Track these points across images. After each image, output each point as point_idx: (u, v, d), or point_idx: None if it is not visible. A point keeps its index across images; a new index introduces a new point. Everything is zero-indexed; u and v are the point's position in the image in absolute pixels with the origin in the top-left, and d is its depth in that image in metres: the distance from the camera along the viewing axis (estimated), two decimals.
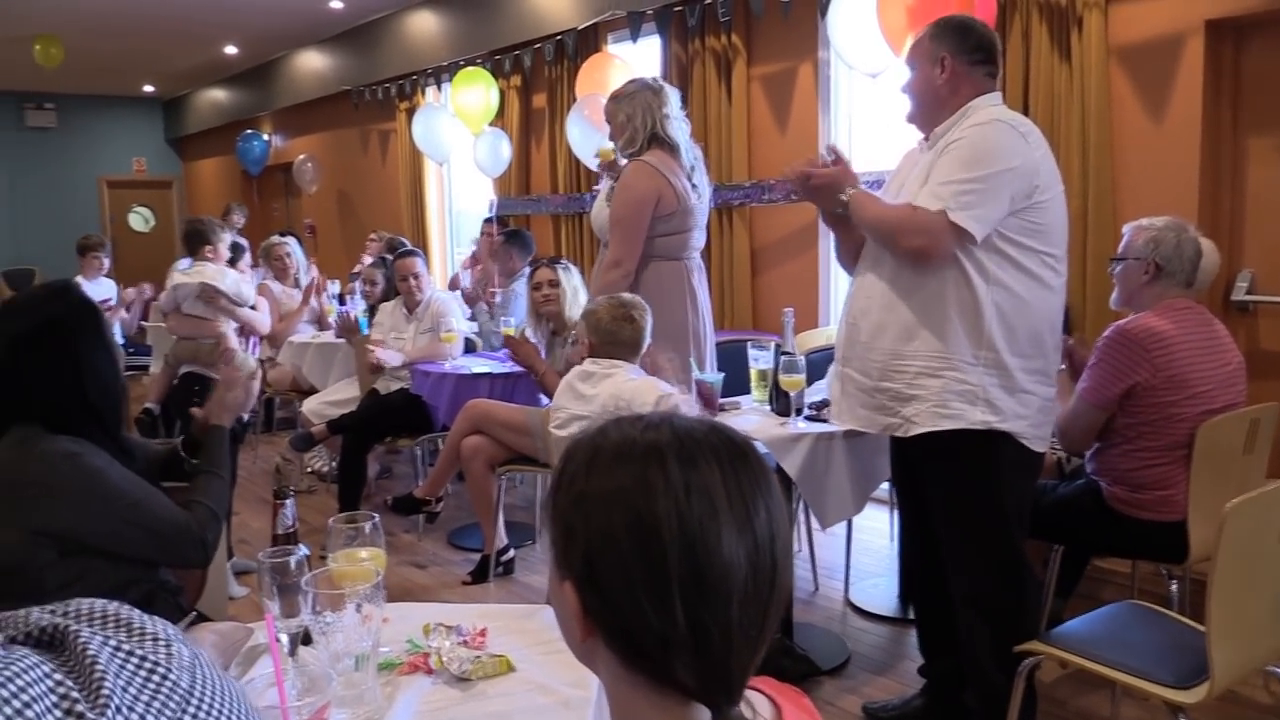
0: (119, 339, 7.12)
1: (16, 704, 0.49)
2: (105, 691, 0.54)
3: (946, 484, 2.57)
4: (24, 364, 1.86)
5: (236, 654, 1.57)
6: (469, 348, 5.38)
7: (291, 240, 7.02)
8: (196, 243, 5.59)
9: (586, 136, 5.65)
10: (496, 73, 7.25)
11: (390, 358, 5.02)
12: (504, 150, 7.06)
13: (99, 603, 0.64)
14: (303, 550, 1.50)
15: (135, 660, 0.58)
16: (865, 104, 5.32)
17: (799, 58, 5.43)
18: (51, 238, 12.38)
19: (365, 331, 5.44)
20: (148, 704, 0.56)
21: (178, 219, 13.97)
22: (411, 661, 1.54)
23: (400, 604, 1.78)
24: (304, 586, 1.38)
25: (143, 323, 7.47)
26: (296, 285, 6.70)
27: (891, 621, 3.68)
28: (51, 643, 0.58)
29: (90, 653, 0.56)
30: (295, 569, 1.44)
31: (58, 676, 0.53)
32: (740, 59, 5.60)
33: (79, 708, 0.52)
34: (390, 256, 5.76)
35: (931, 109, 2.54)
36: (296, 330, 6.34)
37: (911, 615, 3.55)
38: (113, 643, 0.58)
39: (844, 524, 4.02)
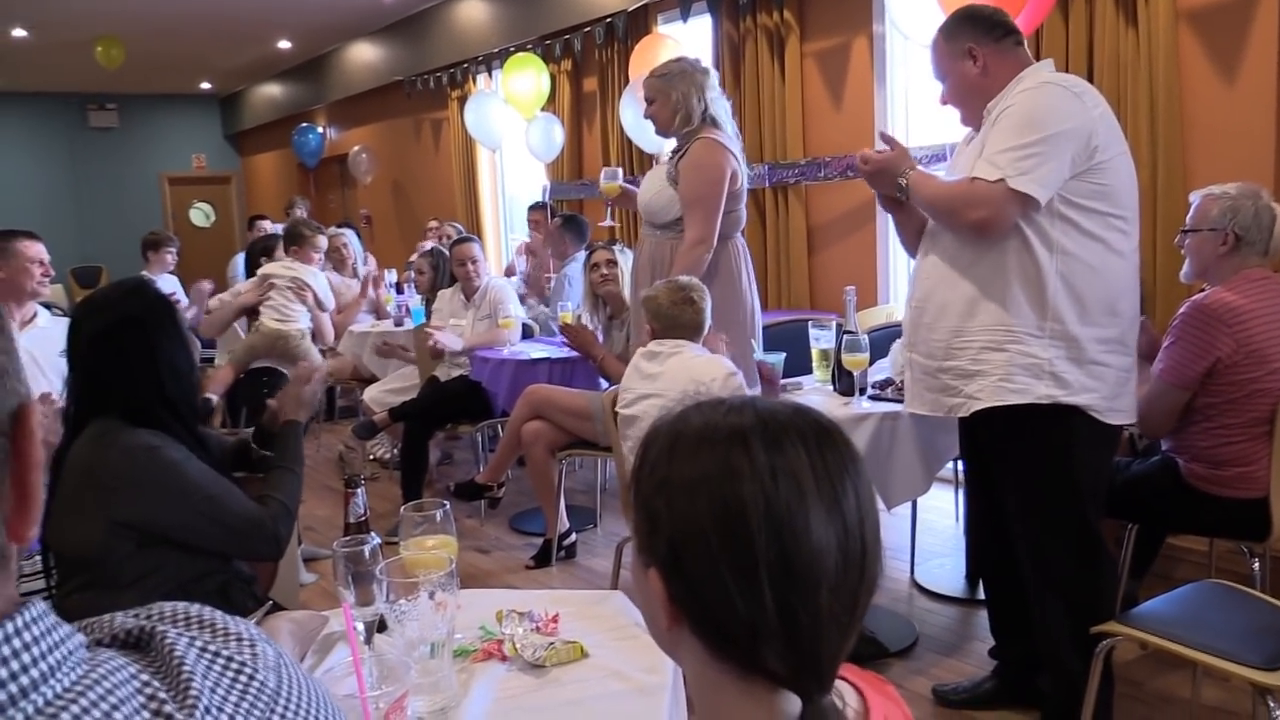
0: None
1: (105, 706, 0.49)
2: (194, 692, 0.53)
3: (1016, 462, 2.51)
4: (104, 360, 1.91)
5: (313, 642, 1.59)
6: (527, 334, 5.39)
7: (349, 231, 7.09)
8: (293, 241, 5.67)
9: (641, 119, 5.61)
10: (547, 58, 7.25)
11: (450, 342, 5.05)
12: (556, 135, 7.06)
13: (181, 605, 0.64)
14: (375, 539, 1.50)
15: (222, 661, 0.57)
16: (922, 78, 5.22)
17: (853, 32, 5.34)
18: (116, 235, 12.70)
19: (421, 320, 5.49)
20: (236, 704, 0.55)
21: (237, 214, 14.22)
22: (485, 648, 1.55)
23: (470, 590, 1.79)
24: (378, 575, 1.38)
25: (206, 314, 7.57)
26: (355, 275, 6.78)
27: (959, 602, 3.63)
28: (138, 644, 0.58)
29: (177, 653, 0.56)
30: (369, 557, 1.45)
31: (144, 677, 0.53)
32: (793, 35, 5.53)
33: (167, 708, 0.51)
34: (437, 245, 5.84)
35: (979, 103, 2.47)
36: (355, 320, 6.41)
37: (979, 596, 3.50)
38: (199, 643, 0.58)
39: (908, 504, 3.97)
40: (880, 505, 3.87)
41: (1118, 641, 2.28)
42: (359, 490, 1.63)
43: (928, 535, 4.24)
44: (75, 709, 0.48)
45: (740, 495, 0.75)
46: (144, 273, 7.18)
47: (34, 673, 0.48)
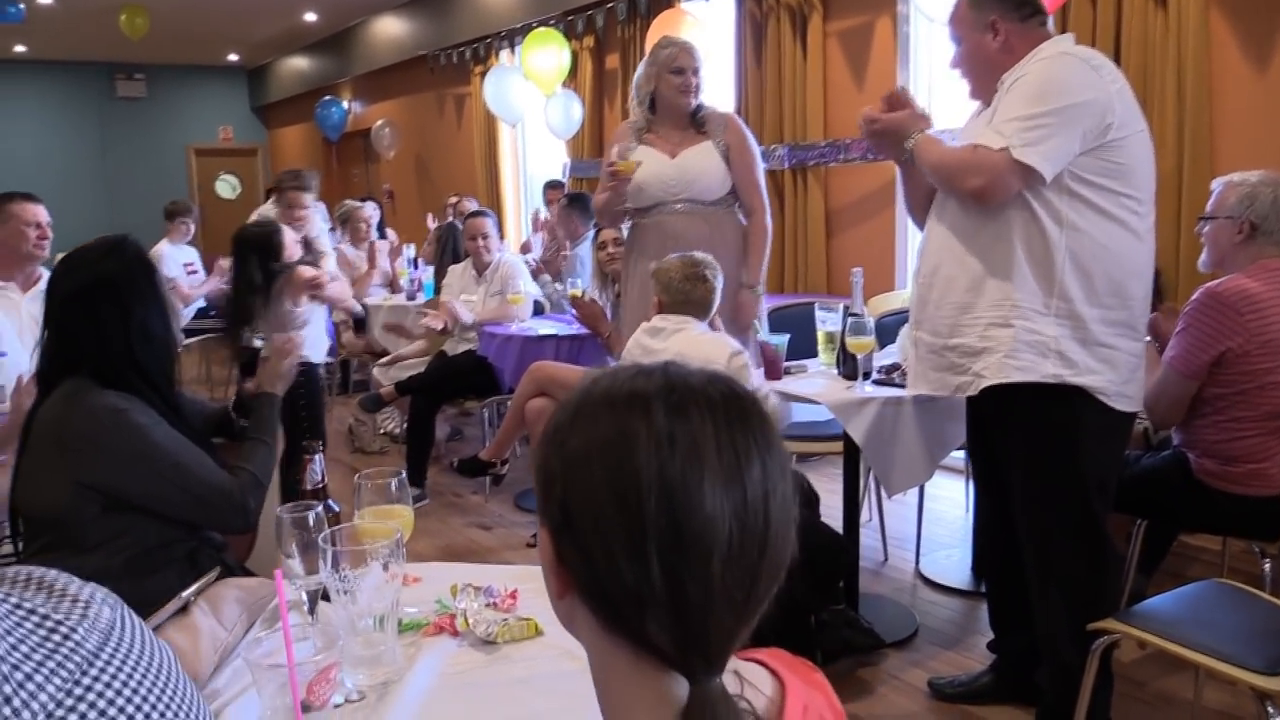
0: (202, 304, 7.30)
1: None
2: None
3: (1021, 446, 2.42)
4: (74, 320, 1.86)
5: (263, 610, 1.54)
6: (538, 311, 5.34)
7: (369, 205, 7.07)
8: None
9: None
10: (569, 33, 7.17)
11: (462, 314, 5.01)
12: (575, 112, 6.99)
13: (35, 570, 0.61)
14: (323, 506, 1.45)
15: (36, 619, 0.55)
16: (946, 58, 5.10)
17: (877, 11, 5.23)
18: (143, 205, 12.70)
19: (431, 295, 5.47)
20: (40, 663, 0.52)
21: (263, 186, 14.24)
22: (437, 623, 1.49)
23: (434, 564, 1.74)
24: (321, 544, 1.33)
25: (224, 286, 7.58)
26: (371, 248, 6.76)
27: (963, 594, 3.55)
28: None
29: None
30: (314, 525, 1.40)
31: None
32: (816, 14, 5.42)
33: None
34: (452, 220, 5.80)
35: (992, 78, 2.38)
36: (369, 293, 6.39)
37: (984, 589, 3.42)
38: (13, 601, 0.55)
39: (915, 493, 3.90)
40: (885, 494, 3.82)
41: (1118, 639, 2.19)
42: (316, 457, 1.58)
43: (936, 525, 4.16)
44: None
45: (634, 459, 0.71)
46: (164, 240, 7.21)
47: None
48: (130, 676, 0.56)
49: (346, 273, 6.49)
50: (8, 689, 0.50)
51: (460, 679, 1.36)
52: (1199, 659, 2.02)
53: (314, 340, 4.12)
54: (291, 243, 4.19)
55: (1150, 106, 3.86)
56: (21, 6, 8.71)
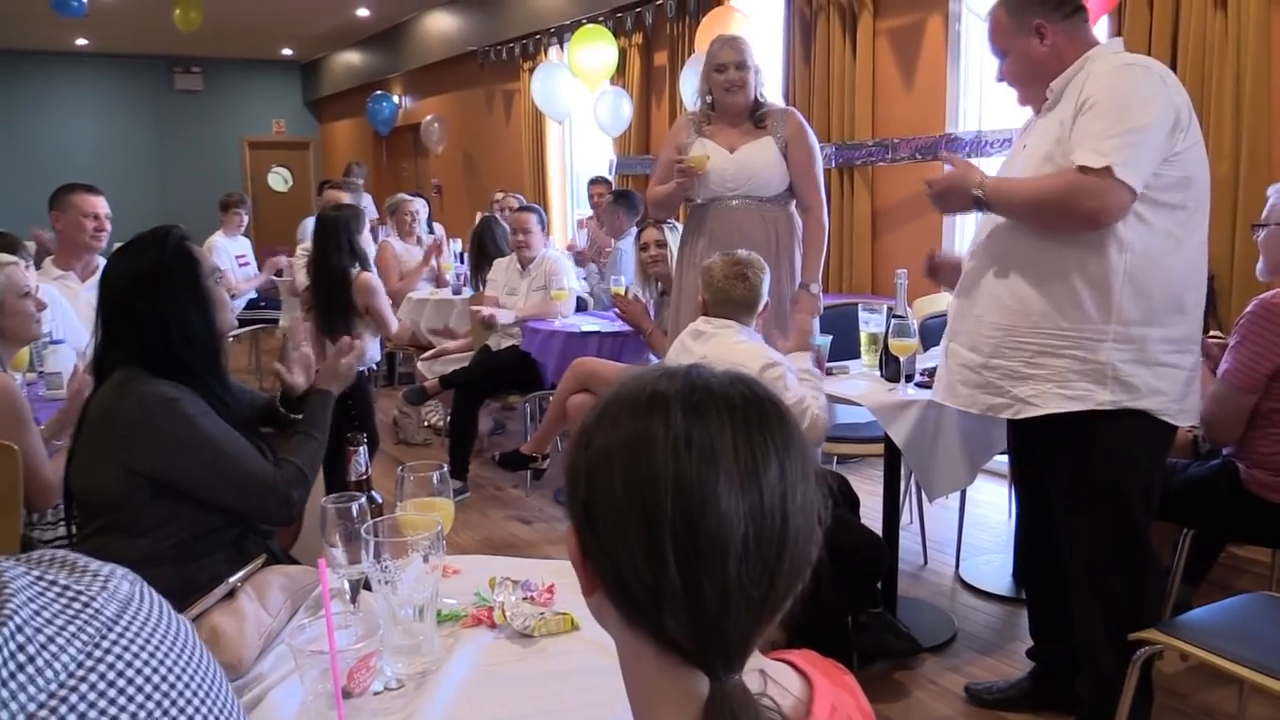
0: (252, 295, 7.43)
1: None
2: (8, 610, 0.53)
3: (1069, 467, 2.38)
4: (120, 311, 1.89)
5: (306, 597, 1.58)
6: (581, 306, 5.37)
7: (418, 200, 7.14)
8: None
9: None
10: (618, 30, 7.19)
11: (501, 315, 5.05)
12: (625, 109, 7.01)
13: (60, 552, 0.64)
14: (366, 497, 1.48)
15: (58, 589, 0.57)
16: (998, 84, 5.04)
17: (928, 10, 5.18)
18: (197, 195, 12.97)
19: (472, 292, 5.55)
20: (61, 627, 0.54)
21: (314, 179, 14.43)
22: (475, 615, 1.52)
23: (473, 556, 1.76)
24: (364, 534, 1.36)
25: (274, 278, 7.70)
26: (419, 243, 6.83)
27: (1003, 600, 3.51)
28: None
29: (4, 579, 0.56)
30: (357, 515, 1.43)
31: None
32: (866, 12, 5.39)
33: None
34: (489, 214, 5.89)
35: (1040, 83, 2.33)
36: (416, 287, 6.46)
37: (1024, 596, 3.39)
38: (36, 573, 0.57)
39: (957, 497, 3.87)
40: (926, 498, 3.80)
41: (1160, 650, 2.17)
42: (360, 449, 1.61)
43: (977, 530, 4.12)
44: None
45: (652, 459, 0.74)
46: (219, 232, 7.35)
47: None
48: (148, 643, 0.58)
49: (394, 267, 6.59)
50: (31, 649, 0.52)
51: (497, 670, 1.38)
52: (1243, 672, 1.99)
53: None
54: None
55: (1207, 110, 3.79)
56: (84, 1, 8.89)
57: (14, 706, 0.50)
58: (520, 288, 5.21)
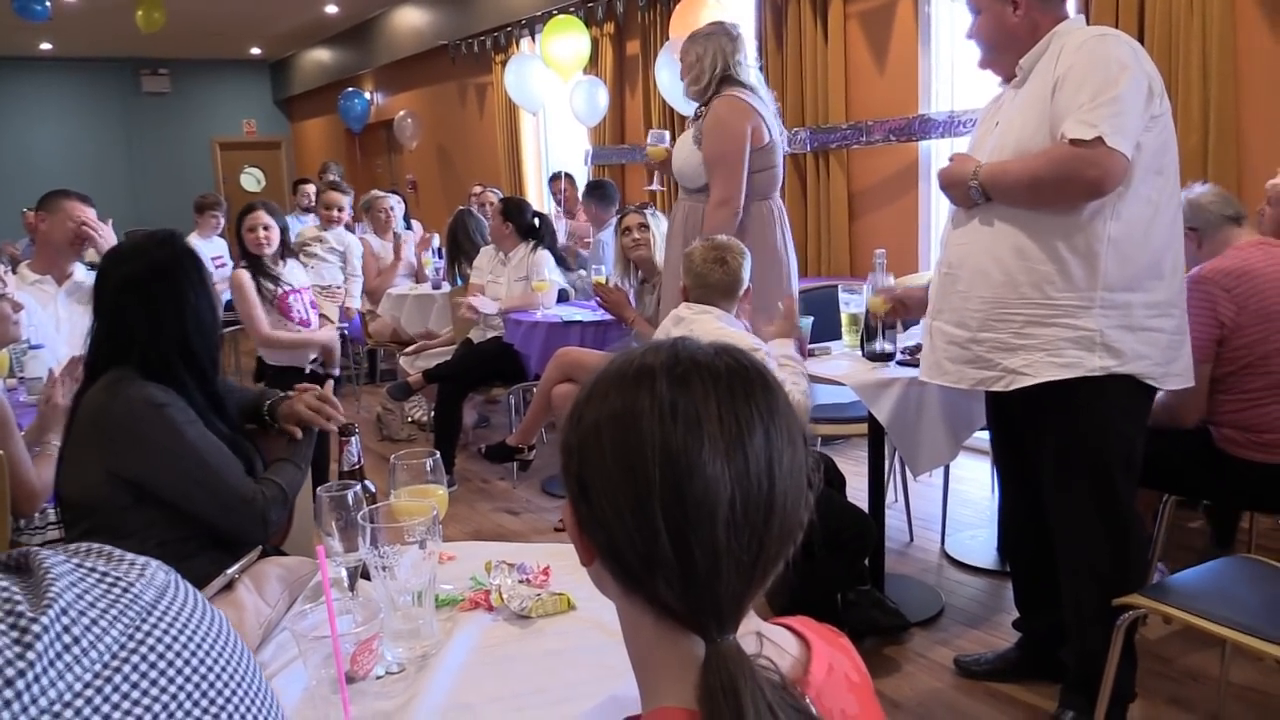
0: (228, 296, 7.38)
1: None
2: (51, 594, 0.55)
3: (1054, 437, 2.41)
4: (129, 307, 1.90)
5: (303, 588, 1.59)
6: (562, 298, 5.38)
7: (392, 197, 7.13)
8: None
9: (677, 81, 5.54)
10: (589, 20, 7.18)
11: (484, 305, 5.06)
12: (600, 99, 7.01)
13: (96, 544, 0.66)
14: (359, 486, 1.49)
15: (97, 575, 0.59)
16: (968, 41, 5.08)
17: None
18: (168, 199, 12.86)
19: (450, 286, 5.56)
20: (103, 611, 0.56)
21: (287, 178, 14.34)
22: (472, 598, 1.53)
23: (468, 542, 1.78)
24: (360, 521, 1.37)
25: None
26: (395, 240, 6.82)
27: (989, 574, 3.56)
28: (18, 568, 0.59)
29: (47, 566, 0.57)
30: (353, 504, 1.44)
31: (3, 583, 0.55)
32: None
33: (20, 608, 0.53)
34: (464, 209, 5.93)
35: (1009, 51, 2.36)
36: (394, 283, 6.46)
37: (1009, 568, 3.44)
38: (76, 560, 0.59)
39: (941, 474, 3.91)
40: (911, 476, 3.84)
41: (1141, 614, 2.21)
42: (353, 439, 1.62)
43: (960, 506, 4.17)
44: None
45: (639, 430, 0.76)
46: (194, 234, 7.30)
47: None
48: (185, 627, 0.60)
49: (372, 264, 6.59)
50: (76, 630, 0.54)
51: (496, 652, 1.40)
52: (1225, 633, 2.03)
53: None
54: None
55: (1175, 83, 3.84)
56: (48, 4, 8.79)
57: (61, 685, 0.52)
58: (502, 276, 5.22)
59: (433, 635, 1.39)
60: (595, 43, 7.19)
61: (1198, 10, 3.79)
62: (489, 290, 5.23)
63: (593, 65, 7.25)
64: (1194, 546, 3.31)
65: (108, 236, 3.63)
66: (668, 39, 6.01)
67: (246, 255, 4.50)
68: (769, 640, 0.81)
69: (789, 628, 0.86)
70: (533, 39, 8.22)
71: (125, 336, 1.90)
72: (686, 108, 5.66)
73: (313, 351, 4.61)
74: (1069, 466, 2.41)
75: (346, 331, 6.24)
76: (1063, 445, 2.41)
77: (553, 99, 7.36)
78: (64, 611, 0.54)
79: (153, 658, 0.56)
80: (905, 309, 2.94)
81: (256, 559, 1.63)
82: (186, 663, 0.58)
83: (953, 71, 5.19)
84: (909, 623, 3.09)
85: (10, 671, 0.51)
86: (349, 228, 6.72)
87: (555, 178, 7.15)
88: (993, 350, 2.37)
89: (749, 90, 3.50)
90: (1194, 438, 2.73)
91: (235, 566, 1.54)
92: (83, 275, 3.71)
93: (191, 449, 1.85)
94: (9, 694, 0.50)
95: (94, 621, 0.55)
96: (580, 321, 4.64)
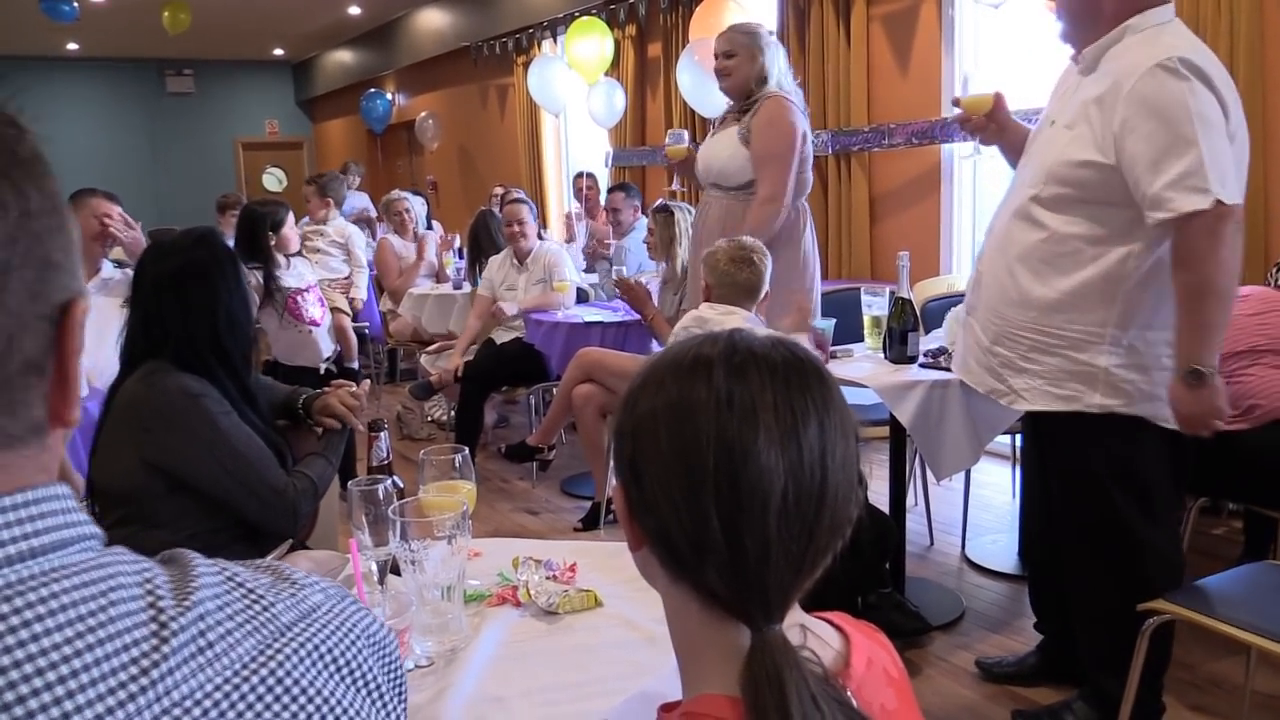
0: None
1: (104, 584, 0.54)
2: (195, 596, 0.57)
3: (1061, 460, 2.39)
4: (166, 303, 1.95)
5: (334, 580, 1.60)
6: (581, 298, 5.39)
7: (412, 196, 7.16)
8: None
9: (698, 82, 5.56)
10: (611, 22, 7.20)
11: (507, 308, 5.08)
12: (618, 100, 7.02)
13: (274, 563, 0.69)
14: (391, 480, 1.51)
15: (242, 591, 0.61)
16: (990, 43, 5.07)
17: None
18: (191, 198, 12.96)
19: (471, 286, 5.57)
20: (240, 624, 0.59)
21: (308, 179, 14.42)
22: (500, 594, 1.55)
23: (494, 539, 1.79)
24: (391, 515, 1.38)
25: None
26: (415, 240, 6.85)
27: (1009, 579, 3.55)
28: (171, 561, 0.62)
29: (197, 569, 0.60)
30: (383, 498, 1.45)
31: (153, 572, 0.58)
32: None
33: (163, 602, 0.56)
34: (483, 209, 5.93)
35: (1092, 27, 2.21)
36: (415, 283, 6.49)
37: (1027, 571, 3.43)
38: (227, 574, 0.62)
39: (962, 478, 3.89)
40: (932, 480, 3.83)
41: (1168, 620, 2.20)
42: (382, 434, 1.63)
43: (982, 511, 4.15)
44: (76, 579, 0.53)
45: (695, 419, 0.77)
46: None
47: (23, 545, 0.53)
48: (315, 652, 0.62)
49: (394, 264, 6.62)
50: (212, 636, 0.57)
51: (523, 647, 1.41)
52: (1250, 639, 2.02)
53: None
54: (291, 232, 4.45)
55: None
56: (75, 5, 8.88)
57: (194, 683, 0.55)
58: (519, 282, 5.22)
59: (461, 630, 1.40)
60: (617, 45, 7.20)
61: (1225, 12, 3.77)
62: (504, 299, 5.23)
63: (614, 67, 7.27)
64: (1221, 555, 3.29)
65: (134, 234, 3.66)
66: (688, 42, 6.02)
67: (266, 254, 4.39)
68: (812, 633, 0.82)
69: (829, 621, 0.87)
70: (554, 41, 8.24)
71: (160, 331, 1.94)
72: (709, 109, 5.68)
73: (326, 350, 4.59)
74: (1072, 490, 2.38)
75: (368, 330, 6.27)
76: (1067, 469, 2.38)
77: (574, 100, 7.38)
78: (202, 617, 0.57)
79: (285, 669, 0.59)
80: (998, 129, 2.60)
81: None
82: (311, 683, 0.60)
83: (975, 76, 5.16)
84: (930, 626, 3.09)
85: (145, 662, 0.53)
86: (370, 225, 6.77)
87: (579, 176, 7.16)
88: (1003, 366, 2.36)
89: (793, 95, 3.55)
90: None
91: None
92: (110, 272, 3.75)
93: (225, 438, 1.89)
94: (144, 681, 0.53)
95: (229, 631, 0.58)
96: (601, 322, 4.65)
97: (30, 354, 0.56)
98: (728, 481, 0.75)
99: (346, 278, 6.29)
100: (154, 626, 0.55)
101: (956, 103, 2.49)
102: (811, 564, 0.78)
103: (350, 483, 1.47)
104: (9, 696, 0.48)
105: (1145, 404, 2.20)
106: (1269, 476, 2.70)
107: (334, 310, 4.78)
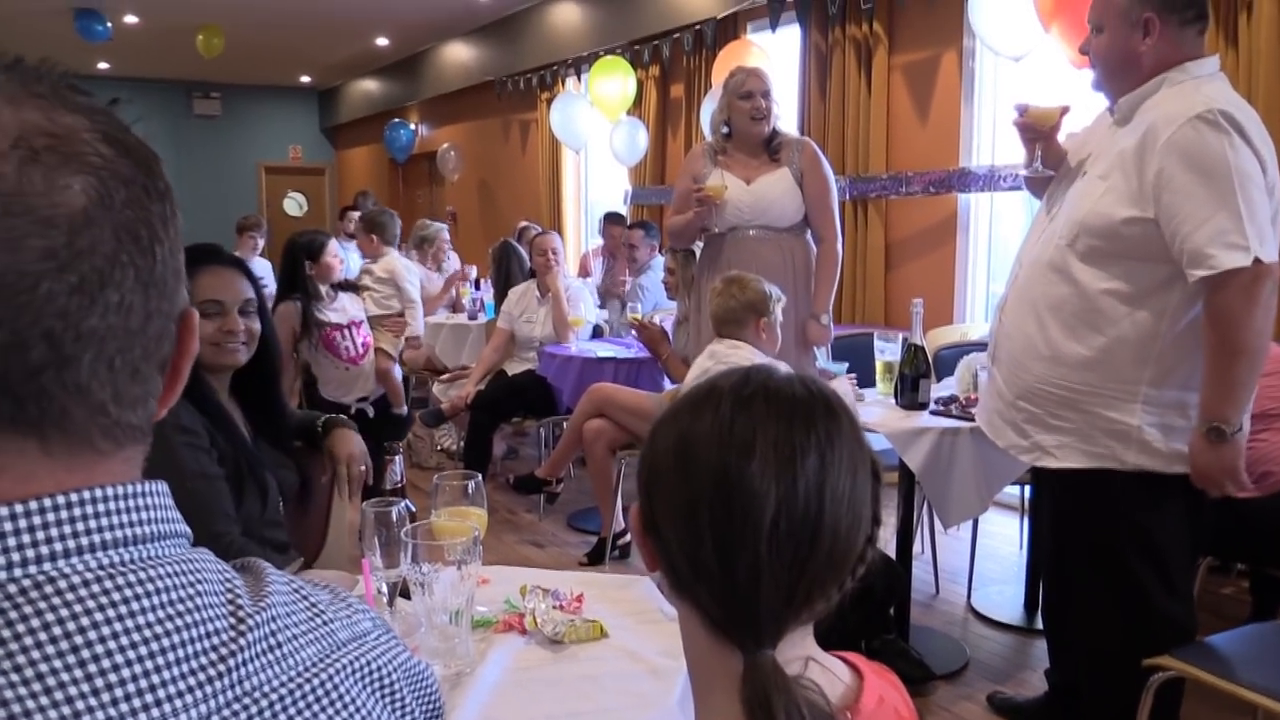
0: None
1: (193, 580, 0.59)
2: (266, 603, 0.62)
3: (1073, 519, 2.36)
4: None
5: None
6: (596, 334, 5.42)
7: (441, 226, 7.23)
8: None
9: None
10: (635, 62, 7.29)
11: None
12: (641, 139, 7.09)
13: (335, 584, 0.75)
14: (404, 503, 1.52)
15: (307, 604, 0.65)
16: (1010, 94, 5.12)
17: (942, 46, 5.26)
18: (212, 219, 13.02)
19: (491, 316, 5.58)
20: (304, 632, 0.63)
21: (329, 204, 14.56)
22: (506, 621, 1.55)
23: (502, 567, 1.80)
24: (404, 538, 1.40)
25: None
26: (438, 269, 6.90)
27: (1015, 630, 3.53)
28: (246, 569, 0.67)
29: (269, 577, 0.65)
30: (396, 521, 1.47)
31: (232, 575, 0.62)
32: (881, 47, 5.47)
33: (241, 600, 0.60)
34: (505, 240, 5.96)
35: (1129, 79, 2.17)
36: (434, 312, 6.52)
37: (1037, 625, 3.41)
38: (294, 585, 0.66)
39: (969, 527, 3.88)
40: (939, 528, 3.82)
41: (1174, 677, 2.18)
42: (397, 459, 1.65)
43: (988, 561, 4.14)
44: (172, 567, 0.58)
45: (697, 443, 0.81)
46: (234, 254, 7.43)
47: (129, 531, 0.58)
48: (363, 670, 0.66)
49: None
50: (281, 637, 0.61)
51: (528, 674, 1.42)
52: (1256, 699, 2.01)
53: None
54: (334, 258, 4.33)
55: None
56: (109, 25, 9.05)
57: (265, 676, 0.59)
58: (538, 315, 5.25)
59: (468, 655, 1.41)
60: (640, 84, 7.29)
61: (1244, 74, 3.81)
62: (522, 331, 5.26)
63: (636, 106, 7.36)
64: (1227, 614, 3.26)
65: None
66: (711, 84, 6.09)
67: (304, 286, 4.26)
68: (821, 666, 0.83)
69: (844, 659, 0.88)
70: (578, 78, 8.35)
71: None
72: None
73: (361, 390, 4.47)
74: (1084, 553, 2.35)
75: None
76: (1080, 532, 2.35)
77: (595, 137, 7.46)
78: (273, 619, 0.61)
79: (336, 680, 0.63)
80: (1048, 145, 2.42)
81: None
82: (356, 697, 0.64)
83: (994, 126, 5.22)
84: (934, 674, 3.07)
85: (224, 650, 0.57)
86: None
87: (611, 219, 7.12)
88: (1029, 421, 2.31)
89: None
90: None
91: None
92: None
93: (179, 475, 1.79)
94: (222, 668, 0.57)
95: (295, 637, 0.62)
96: (614, 358, 4.67)
97: (167, 354, 0.61)
98: (722, 504, 0.78)
99: (400, 315, 5.57)
100: (232, 620, 0.59)
101: (1023, 111, 2.36)
102: (806, 596, 0.80)
103: (364, 504, 1.49)
104: (105, 664, 0.52)
105: (1179, 463, 2.15)
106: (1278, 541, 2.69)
107: (378, 351, 4.53)
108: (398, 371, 4.77)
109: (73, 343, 0.55)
